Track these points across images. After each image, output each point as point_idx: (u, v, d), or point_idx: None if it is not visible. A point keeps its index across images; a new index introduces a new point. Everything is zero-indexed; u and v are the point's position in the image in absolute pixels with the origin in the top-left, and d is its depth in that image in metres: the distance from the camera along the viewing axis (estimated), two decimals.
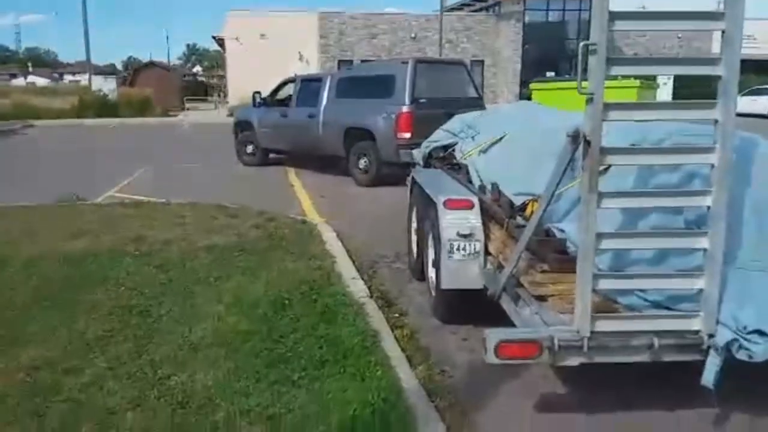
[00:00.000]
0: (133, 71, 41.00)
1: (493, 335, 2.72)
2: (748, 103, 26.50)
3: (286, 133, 11.62)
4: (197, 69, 78.37)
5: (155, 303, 4.30)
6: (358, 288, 4.62)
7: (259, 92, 12.45)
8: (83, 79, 38.15)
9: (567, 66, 31.26)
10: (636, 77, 11.62)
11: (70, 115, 27.38)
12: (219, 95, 43.46)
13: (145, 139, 19.23)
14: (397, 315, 4.31)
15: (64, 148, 16.71)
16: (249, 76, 26.11)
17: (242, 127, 12.79)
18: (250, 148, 12.58)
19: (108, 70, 53.00)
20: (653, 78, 11.29)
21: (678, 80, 25.80)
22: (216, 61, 66.33)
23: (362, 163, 10.21)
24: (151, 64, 43.10)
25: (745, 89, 27.49)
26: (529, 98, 12.34)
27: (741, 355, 2.61)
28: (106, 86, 30.64)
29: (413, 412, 2.87)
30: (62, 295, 4.44)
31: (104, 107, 28.70)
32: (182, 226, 6.57)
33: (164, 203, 7.98)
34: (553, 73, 28.97)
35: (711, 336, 2.67)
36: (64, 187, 8.70)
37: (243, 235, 6.23)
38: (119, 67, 79.10)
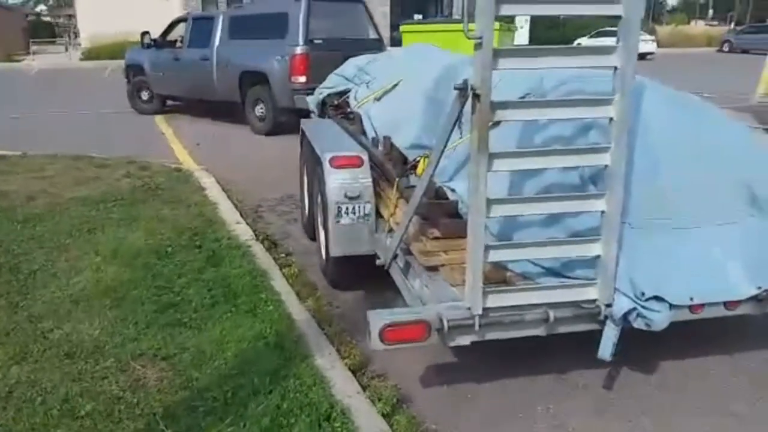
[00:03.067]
0: None
1: (376, 319, 2.41)
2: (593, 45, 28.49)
3: (180, 78, 10.82)
4: (41, 8, 70.43)
5: (25, 259, 4.10)
6: (243, 231, 4.66)
7: (147, 32, 11.42)
8: None
9: (434, 9, 31.63)
10: (504, 20, 11.81)
11: None
12: (69, 37, 39.56)
13: None
14: (283, 255, 4.42)
15: None
16: (102, 15, 23.93)
17: (134, 71, 11.73)
18: (145, 95, 11.69)
19: None
20: (512, 20, 11.50)
21: (533, 23, 26.99)
22: None
23: (259, 109, 9.73)
24: None
25: (593, 31, 29.52)
26: (399, 42, 12.38)
27: (639, 324, 2.44)
28: None
29: (305, 340, 3.04)
30: None
31: None
32: (47, 179, 6.16)
33: (21, 155, 7.38)
34: (420, 16, 29.21)
35: (608, 305, 2.47)
36: None
37: (115, 185, 5.97)
38: None
